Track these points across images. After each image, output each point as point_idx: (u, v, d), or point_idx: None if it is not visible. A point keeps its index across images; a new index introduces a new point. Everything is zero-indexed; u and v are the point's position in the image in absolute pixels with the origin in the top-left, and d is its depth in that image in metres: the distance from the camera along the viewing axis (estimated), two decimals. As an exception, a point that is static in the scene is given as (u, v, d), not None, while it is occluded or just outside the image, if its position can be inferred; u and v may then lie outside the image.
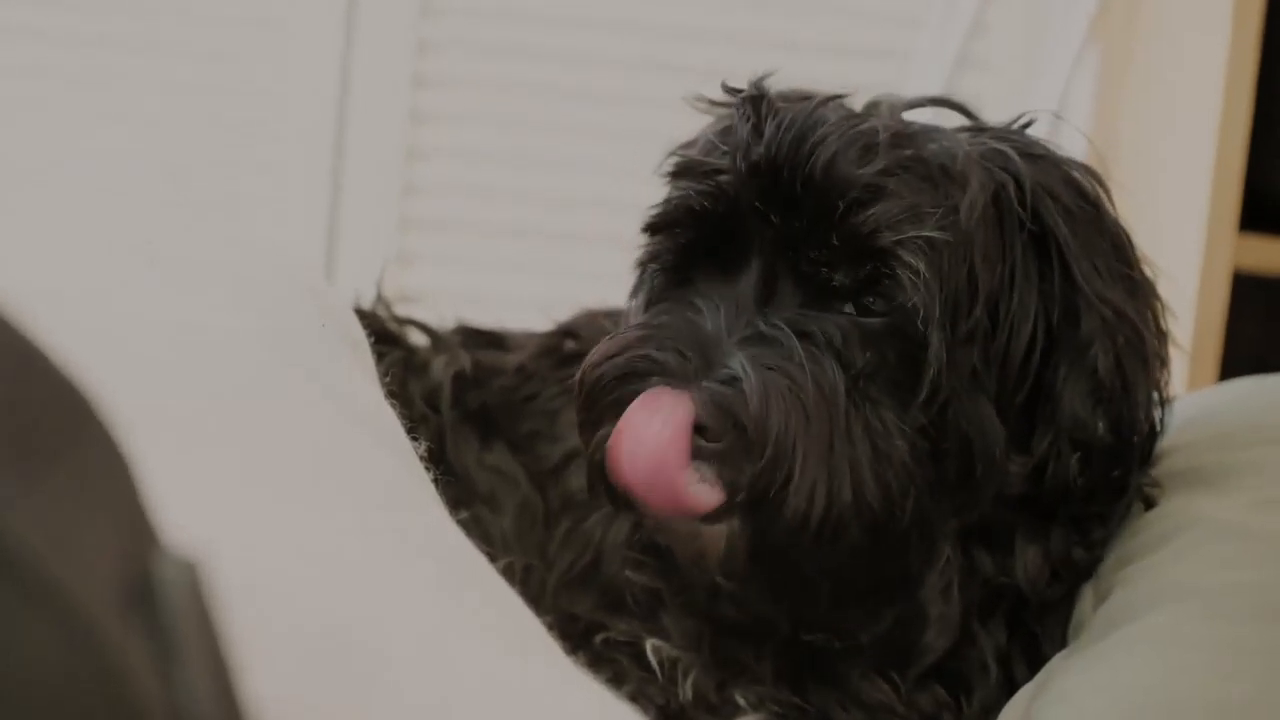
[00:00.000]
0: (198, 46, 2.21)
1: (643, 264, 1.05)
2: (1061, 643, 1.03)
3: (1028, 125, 1.06)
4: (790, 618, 1.02)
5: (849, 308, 0.96)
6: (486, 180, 2.25)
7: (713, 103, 1.06)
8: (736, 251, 0.99)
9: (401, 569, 0.66)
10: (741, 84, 1.03)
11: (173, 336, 0.73)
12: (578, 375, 0.99)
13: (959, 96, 1.10)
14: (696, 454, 0.91)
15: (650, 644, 1.04)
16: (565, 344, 1.19)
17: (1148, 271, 1.06)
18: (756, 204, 0.97)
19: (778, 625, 1.03)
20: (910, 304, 0.94)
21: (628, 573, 1.07)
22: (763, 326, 0.95)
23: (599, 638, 1.04)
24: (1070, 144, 1.10)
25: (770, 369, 0.92)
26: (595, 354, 0.98)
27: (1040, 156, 1.02)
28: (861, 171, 0.96)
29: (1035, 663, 1.02)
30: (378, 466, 0.73)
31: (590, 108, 2.23)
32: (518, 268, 2.24)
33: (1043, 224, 0.99)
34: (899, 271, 0.94)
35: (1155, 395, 1.03)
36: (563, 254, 2.21)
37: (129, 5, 2.21)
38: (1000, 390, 0.99)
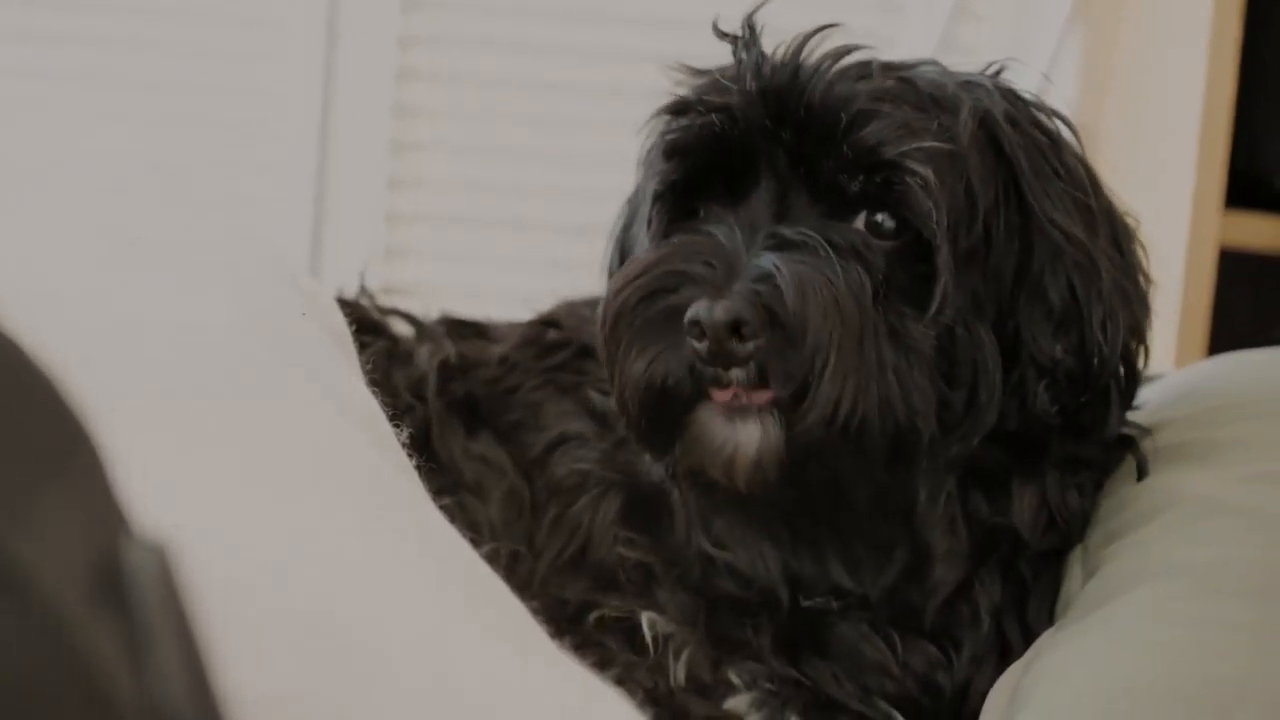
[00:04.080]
0: (186, 45, 2.21)
1: (656, 195, 1.04)
2: (1050, 617, 1.04)
3: (997, 74, 1.08)
4: (798, 562, 1.02)
5: (861, 224, 0.98)
6: (471, 174, 2.25)
7: (694, 71, 1.06)
8: (744, 176, 1.00)
9: (401, 569, 0.66)
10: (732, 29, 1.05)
11: (173, 336, 0.73)
12: (599, 310, 0.98)
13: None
14: (733, 357, 0.91)
15: (646, 617, 1.04)
16: (547, 334, 1.19)
17: (1130, 221, 1.07)
18: (767, 123, 0.98)
19: (777, 594, 1.03)
20: (924, 210, 0.95)
21: (619, 550, 1.07)
22: (787, 233, 0.95)
23: (592, 615, 1.04)
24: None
25: (803, 264, 0.93)
26: (618, 280, 0.98)
27: (1003, 89, 1.05)
28: (860, 87, 0.98)
29: (1025, 620, 1.04)
30: (378, 466, 0.73)
31: (573, 100, 2.23)
32: (503, 260, 2.23)
33: (1002, 152, 1.01)
34: (909, 179, 0.96)
35: (1125, 330, 1.02)
36: (548, 246, 2.21)
37: (126, 5, 2.21)
38: (996, 317, 1.00)
